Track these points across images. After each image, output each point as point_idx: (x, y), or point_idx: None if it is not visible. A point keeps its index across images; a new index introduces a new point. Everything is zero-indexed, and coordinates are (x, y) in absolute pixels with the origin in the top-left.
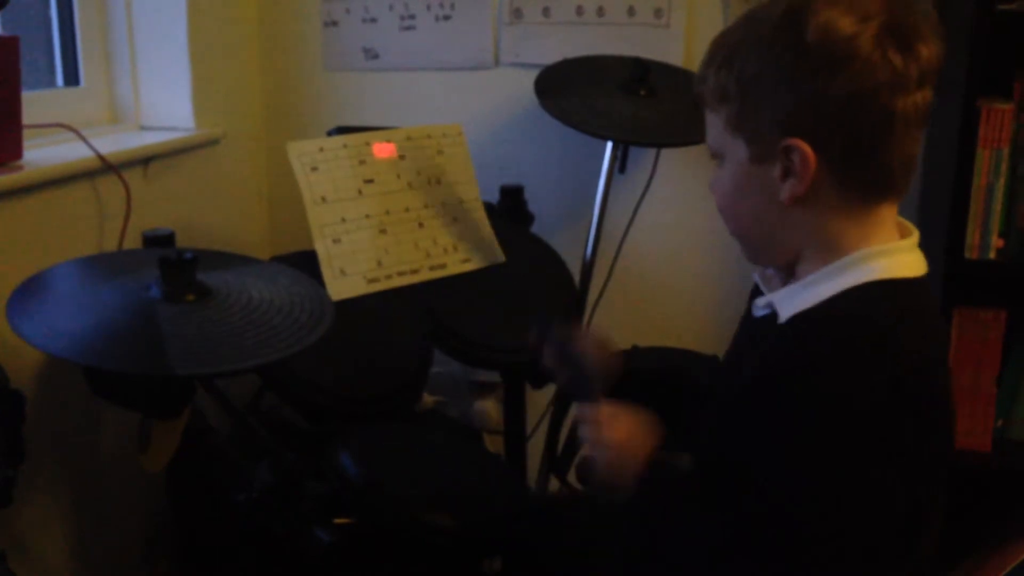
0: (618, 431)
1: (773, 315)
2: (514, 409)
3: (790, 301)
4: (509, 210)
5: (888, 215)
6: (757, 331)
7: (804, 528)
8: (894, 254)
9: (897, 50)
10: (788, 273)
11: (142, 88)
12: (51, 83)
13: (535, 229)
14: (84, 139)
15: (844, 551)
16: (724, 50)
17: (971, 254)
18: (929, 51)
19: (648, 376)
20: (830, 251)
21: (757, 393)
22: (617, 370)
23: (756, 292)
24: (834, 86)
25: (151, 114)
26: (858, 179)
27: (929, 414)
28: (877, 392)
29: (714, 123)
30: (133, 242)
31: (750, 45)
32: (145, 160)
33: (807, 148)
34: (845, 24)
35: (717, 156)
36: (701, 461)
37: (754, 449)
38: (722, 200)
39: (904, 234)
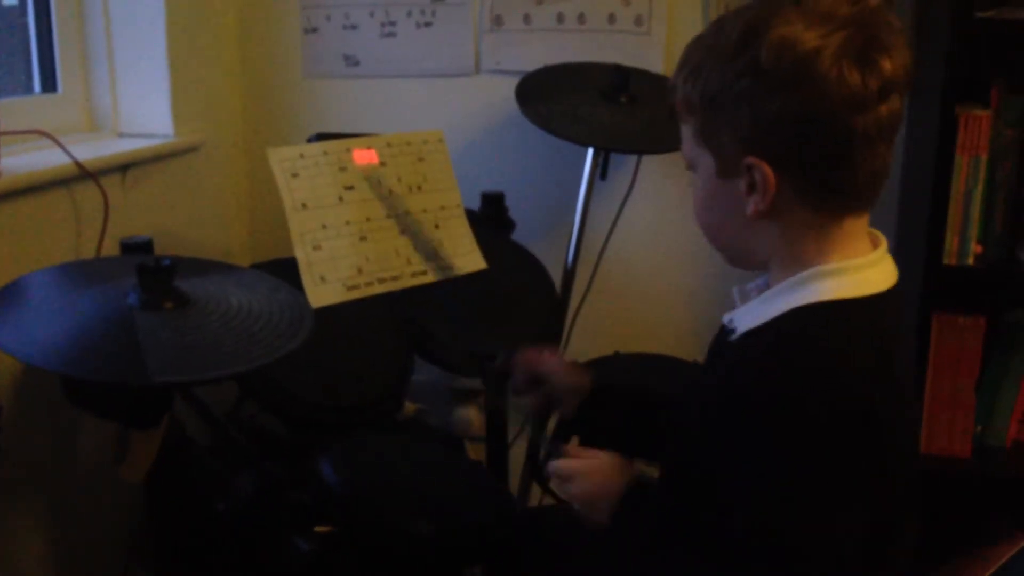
0: (588, 482)
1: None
2: (495, 416)
3: (746, 318)
4: (490, 217)
5: (856, 227)
6: (722, 346)
7: (763, 545)
8: (849, 272)
9: (856, 66)
10: None
11: (120, 95)
12: (28, 90)
13: (516, 236)
14: (62, 146)
15: (805, 564)
16: (692, 61)
17: (950, 260)
18: (893, 64)
19: (616, 393)
20: (792, 264)
21: (712, 409)
22: (586, 388)
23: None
24: (789, 107)
25: (129, 121)
26: (820, 194)
27: (875, 432)
28: (813, 413)
29: (686, 133)
30: (111, 250)
31: (712, 61)
32: (123, 167)
33: (766, 167)
34: (804, 40)
35: (690, 166)
36: (669, 473)
37: (712, 462)
38: (696, 209)
39: (875, 244)
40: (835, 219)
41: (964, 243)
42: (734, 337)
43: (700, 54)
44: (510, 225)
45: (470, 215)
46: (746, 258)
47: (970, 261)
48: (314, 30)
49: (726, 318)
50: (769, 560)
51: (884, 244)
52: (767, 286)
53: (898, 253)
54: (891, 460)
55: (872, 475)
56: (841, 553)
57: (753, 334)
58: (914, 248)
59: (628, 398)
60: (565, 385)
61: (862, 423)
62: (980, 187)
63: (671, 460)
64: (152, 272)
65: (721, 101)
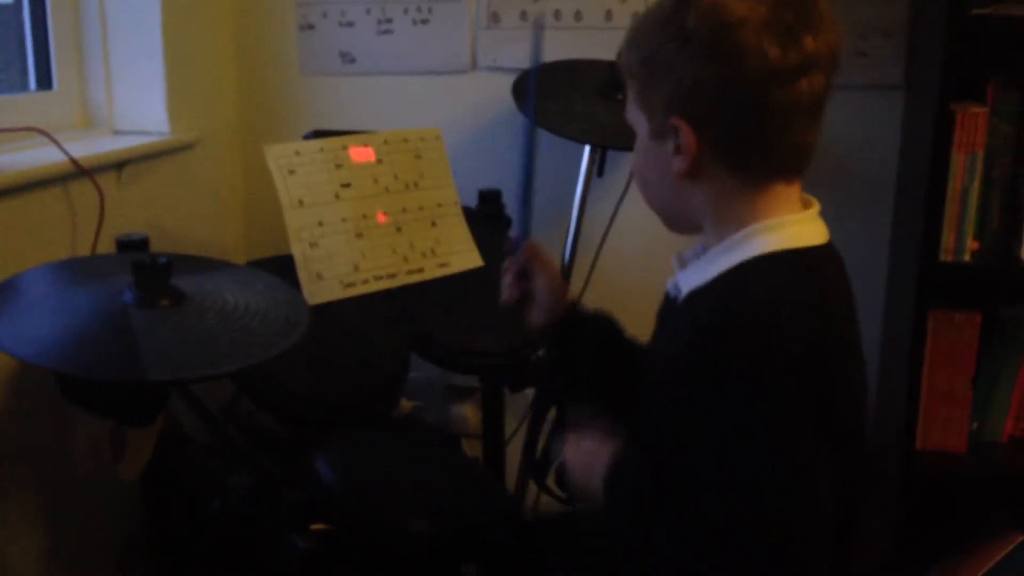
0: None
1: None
2: (492, 414)
3: (690, 279)
4: (487, 214)
5: (786, 192)
6: (669, 311)
7: (728, 515)
8: (784, 227)
9: (776, 40)
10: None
11: (116, 92)
12: (23, 87)
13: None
14: (57, 143)
15: (765, 532)
16: (634, 28)
17: (946, 256)
18: (817, 42)
19: (590, 326)
20: (724, 225)
21: (664, 374)
22: (562, 309)
23: None
24: (709, 73)
25: (125, 118)
26: (742, 161)
27: (827, 378)
28: (767, 363)
29: (629, 97)
30: (106, 247)
31: (651, 26)
32: (119, 164)
33: (687, 128)
34: (732, 10)
35: (631, 128)
36: (635, 441)
37: (673, 430)
38: (634, 169)
39: (806, 207)
40: (760, 184)
41: (960, 239)
42: (680, 300)
43: (641, 21)
44: (507, 222)
45: (467, 212)
46: (679, 220)
47: (966, 257)
48: (310, 27)
49: (669, 284)
50: (753, 531)
51: (816, 207)
52: (704, 251)
53: (894, 249)
54: (845, 407)
55: (831, 420)
56: (818, 518)
57: (699, 293)
58: (910, 244)
59: (601, 334)
60: (544, 294)
61: (811, 360)
62: (976, 184)
63: (639, 431)
64: (148, 269)
65: (653, 64)
